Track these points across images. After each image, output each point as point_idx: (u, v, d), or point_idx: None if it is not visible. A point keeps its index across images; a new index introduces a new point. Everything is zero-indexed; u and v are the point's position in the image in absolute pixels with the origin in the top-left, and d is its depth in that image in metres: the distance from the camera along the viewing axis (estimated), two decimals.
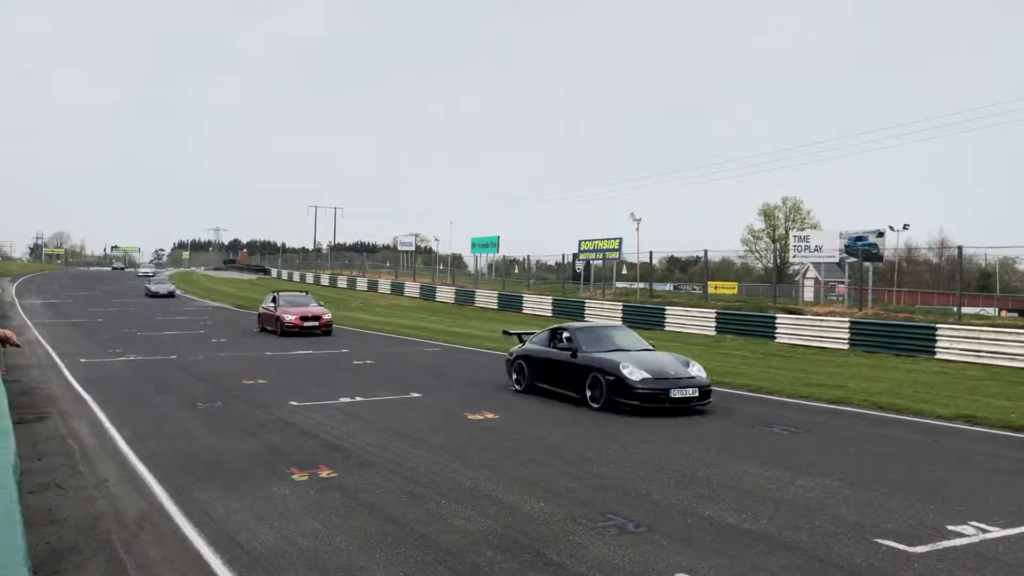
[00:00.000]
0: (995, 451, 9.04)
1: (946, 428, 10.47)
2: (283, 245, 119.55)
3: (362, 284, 53.86)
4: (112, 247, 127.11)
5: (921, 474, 7.84)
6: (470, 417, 10.65)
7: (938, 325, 19.99)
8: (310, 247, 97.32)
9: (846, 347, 21.30)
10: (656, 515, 6.29)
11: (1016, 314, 36.35)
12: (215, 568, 5.21)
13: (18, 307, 37.22)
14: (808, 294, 43.35)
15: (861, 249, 26.44)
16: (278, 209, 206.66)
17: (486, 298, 39.24)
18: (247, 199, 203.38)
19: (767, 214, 77.78)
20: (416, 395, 12.63)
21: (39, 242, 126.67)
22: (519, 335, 14.39)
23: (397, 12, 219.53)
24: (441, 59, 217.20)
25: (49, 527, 6.01)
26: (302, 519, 6.15)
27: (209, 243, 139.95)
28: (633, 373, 11.06)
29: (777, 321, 23.78)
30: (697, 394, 11.17)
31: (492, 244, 44.30)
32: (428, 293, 45.09)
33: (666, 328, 27.10)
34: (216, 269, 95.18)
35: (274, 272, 77.90)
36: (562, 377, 12.25)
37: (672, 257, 67.50)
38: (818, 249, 28.14)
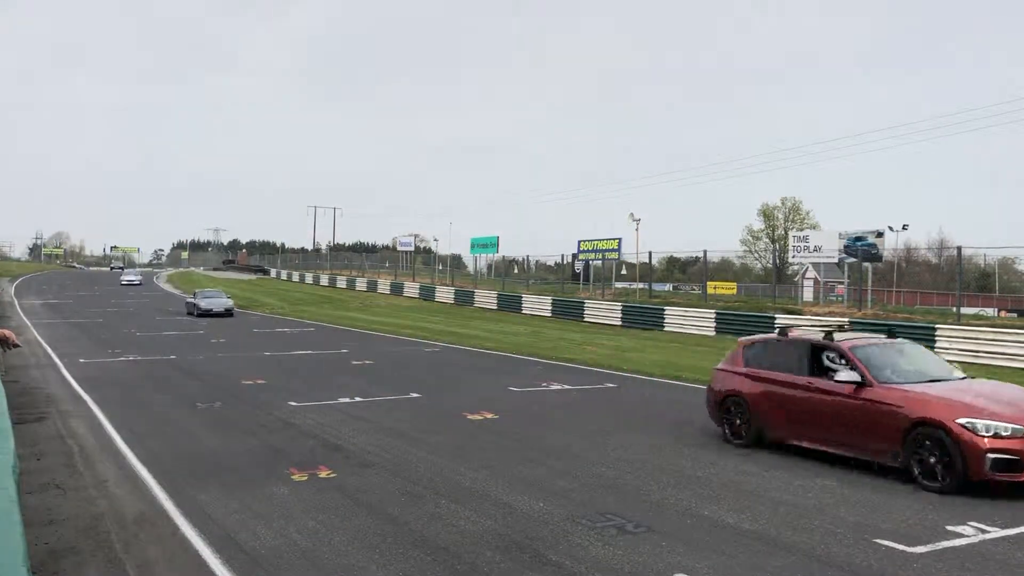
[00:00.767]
0: None
1: None
2: (282, 245, 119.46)
3: (361, 284, 53.83)
4: (111, 247, 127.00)
5: None
6: (469, 417, 10.65)
7: (937, 325, 20.00)
8: (309, 247, 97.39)
9: None
10: (655, 515, 6.29)
11: (1015, 314, 36.34)
12: (214, 568, 5.21)
13: (17, 307, 37.21)
14: (807, 294, 43.37)
15: (860, 249, 26.44)
16: (278, 209, 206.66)
17: (485, 298, 39.24)
18: (246, 199, 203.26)
19: (766, 214, 77.83)
20: (415, 395, 12.63)
21: (38, 242, 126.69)
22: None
23: (397, 12, 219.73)
24: (441, 59, 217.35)
25: (48, 527, 6.01)
26: (301, 519, 6.15)
27: (208, 243, 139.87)
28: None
29: (776, 321, 23.76)
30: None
31: (491, 244, 44.28)
32: (427, 293, 45.08)
33: (665, 329, 27.10)
34: (215, 269, 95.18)
35: (273, 272, 77.88)
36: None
37: (671, 257, 67.63)
38: (817, 249, 28.14)
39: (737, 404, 8.88)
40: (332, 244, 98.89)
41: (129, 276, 63.13)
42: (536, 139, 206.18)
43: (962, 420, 6.84)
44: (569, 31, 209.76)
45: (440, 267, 56.04)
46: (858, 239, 26.75)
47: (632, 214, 35.52)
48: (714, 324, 25.59)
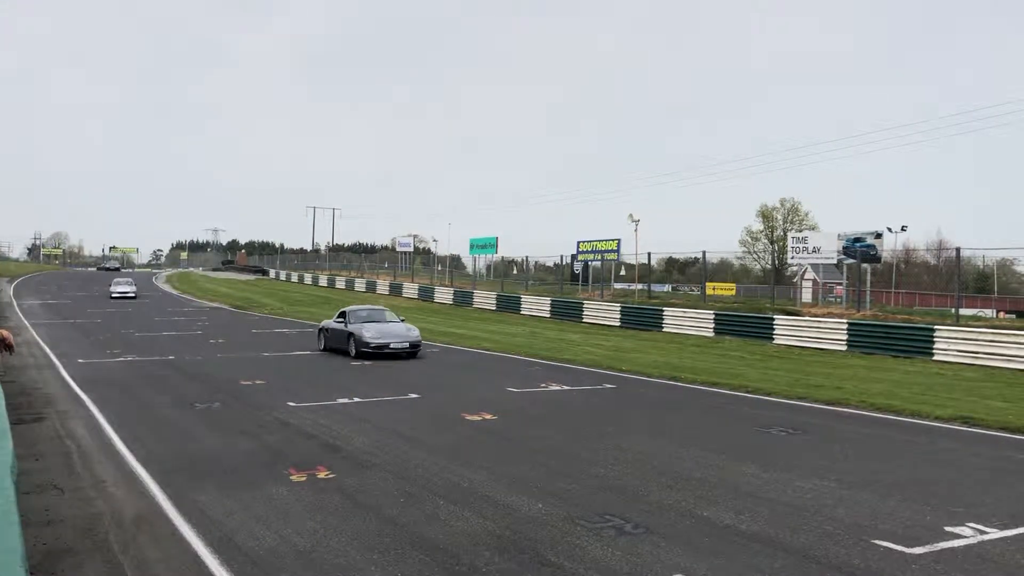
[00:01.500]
0: (993, 452, 9.06)
1: (944, 429, 10.48)
2: (282, 246, 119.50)
3: (360, 285, 53.80)
4: (110, 247, 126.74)
5: (919, 475, 7.84)
6: (468, 418, 10.64)
7: (936, 326, 20.01)
8: (308, 248, 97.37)
9: (844, 348, 21.32)
10: (654, 516, 6.29)
11: (1014, 315, 36.43)
12: (212, 569, 5.21)
13: (16, 307, 37.18)
14: (806, 295, 43.46)
15: (859, 250, 26.46)
16: (277, 210, 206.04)
17: (484, 299, 39.23)
18: (245, 200, 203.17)
19: (765, 215, 77.93)
20: (414, 396, 12.62)
21: (37, 242, 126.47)
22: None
23: (397, 12, 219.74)
24: (441, 59, 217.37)
25: (46, 528, 6.00)
26: (300, 520, 6.15)
27: (207, 243, 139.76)
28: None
29: (775, 322, 23.80)
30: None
31: (490, 245, 44.28)
32: (426, 294, 45.08)
33: (664, 329, 27.11)
34: (214, 270, 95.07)
35: (272, 273, 77.84)
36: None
37: (670, 258, 67.54)
38: (816, 250, 28.16)
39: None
40: (331, 245, 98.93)
41: (121, 287, 46.95)
42: (536, 139, 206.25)
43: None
44: (569, 30, 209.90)
45: (439, 268, 56.03)
46: (857, 240, 26.76)
47: (631, 215, 35.50)
48: (713, 325, 25.60)
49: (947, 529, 6.00)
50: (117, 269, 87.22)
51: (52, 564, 5.29)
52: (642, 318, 28.60)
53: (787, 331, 23.25)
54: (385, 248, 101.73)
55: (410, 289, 47.39)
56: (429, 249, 74.64)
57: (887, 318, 23.95)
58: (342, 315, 19.70)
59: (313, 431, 9.67)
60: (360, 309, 20.56)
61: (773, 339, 23.33)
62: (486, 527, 6.00)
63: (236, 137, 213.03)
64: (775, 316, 24.39)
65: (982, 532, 5.93)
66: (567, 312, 32.74)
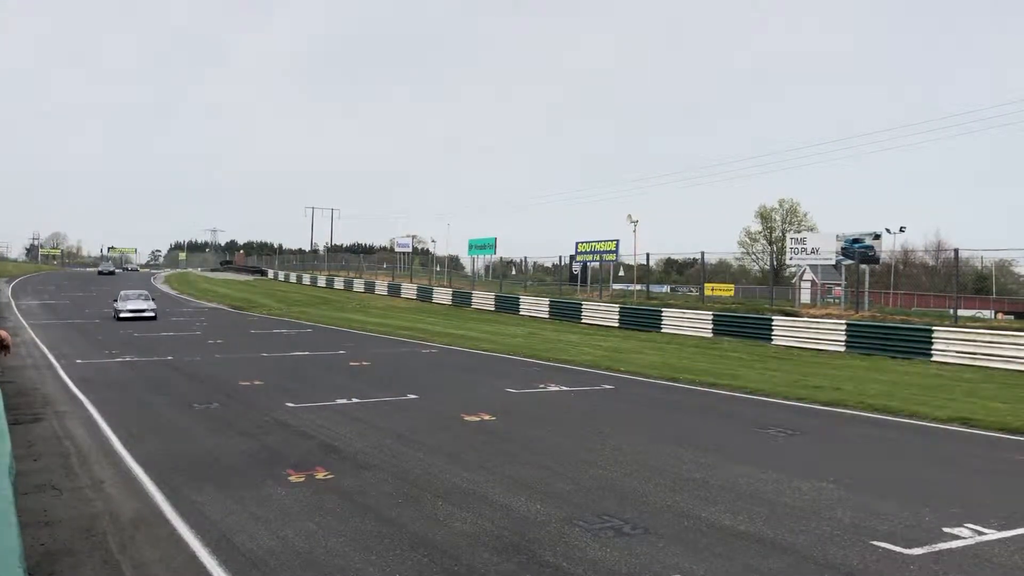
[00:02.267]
0: (991, 453, 9.07)
1: (942, 430, 10.49)
2: (280, 246, 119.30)
3: (359, 285, 53.80)
4: (108, 248, 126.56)
5: (917, 476, 7.85)
6: (467, 419, 10.64)
7: (934, 327, 20.03)
8: (307, 248, 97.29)
9: (842, 349, 21.33)
10: (652, 517, 6.29)
11: (1012, 316, 36.46)
12: (211, 569, 5.20)
13: (14, 308, 37.14)
14: (805, 296, 43.46)
15: (858, 251, 26.48)
16: (275, 210, 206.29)
17: (483, 300, 39.23)
18: (244, 200, 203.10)
19: (764, 216, 77.93)
20: (413, 396, 12.62)
21: (35, 243, 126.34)
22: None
23: (396, 12, 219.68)
24: (441, 59, 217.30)
25: (44, 528, 5.99)
26: (298, 520, 6.14)
27: (206, 244, 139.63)
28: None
29: (774, 323, 23.81)
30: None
31: (489, 246, 44.26)
32: (425, 294, 45.07)
33: (663, 330, 27.12)
34: (213, 270, 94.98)
35: (271, 273, 77.80)
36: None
37: (669, 259, 67.34)
38: (815, 251, 28.17)
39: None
40: (330, 245, 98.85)
41: (132, 303, 31.16)
42: (535, 139, 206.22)
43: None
44: (568, 31, 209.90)
45: (437, 268, 55.99)
46: (855, 241, 26.79)
47: (630, 215, 35.48)
48: (711, 326, 25.61)
49: (945, 530, 6.00)
50: (112, 273, 75.72)
51: (50, 565, 5.29)
52: (641, 319, 28.61)
53: (786, 332, 23.26)
54: (384, 248, 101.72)
55: (408, 289, 47.38)
56: (428, 249, 74.65)
57: (886, 319, 23.97)
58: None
59: (312, 432, 9.67)
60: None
61: (772, 340, 23.34)
62: (485, 527, 6.00)
63: (236, 137, 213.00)
64: (774, 317, 24.41)
65: (980, 533, 5.93)
66: (566, 313, 32.74)
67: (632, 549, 5.52)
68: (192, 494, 6.88)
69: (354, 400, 12.10)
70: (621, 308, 30.01)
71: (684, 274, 69.15)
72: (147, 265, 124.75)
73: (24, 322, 29.13)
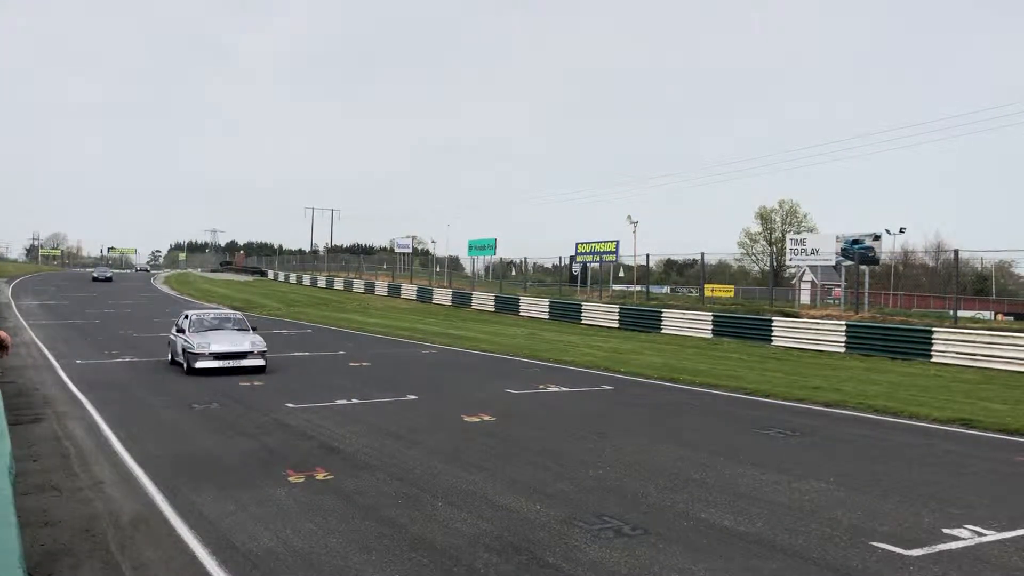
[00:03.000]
0: (991, 454, 9.07)
1: (942, 431, 10.49)
2: (280, 247, 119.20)
3: (359, 286, 53.78)
4: (108, 248, 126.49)
5: (917, 477, 7.85)
6: (466, 419, 10.64)
7: (934, 328, 20.02)
8: (307, 249, 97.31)
9: (842, 350, 21.33)
10: (652, 518, 6.29)
11: (1012, 317, 36.47)
12: (210, 570, 5.20)
13: (14, 308, 37.13)
14: (804, 297, 43.41)
15: (857, 252, 26.48)
16: (275, 211, 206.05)
17: (483, 300, 39.22)
18: (244, 201, 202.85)
19: (764, 217, 77.93)
20: (413, 397, 12.62)
21: (35, 243, 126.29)
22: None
23: (396, 12, 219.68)
24: (440, 59, 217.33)
25: (44, 529, 6.00)
26: (298, 521, 6.14)
27: (206, 245, 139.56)
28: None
29: (773, 324, 23.81)
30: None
31: (489, 246, 44.26)
32: (425, 295, 45.06)
33: (663, 331, 27.11)
34: (213, 271, 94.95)
35: (271, 274, 77.77)
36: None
37: (669, 260, 67.42)
38: (815, 252, 28.17)
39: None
40: (329, 246, 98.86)
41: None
42: (535, 140, 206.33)
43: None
44: (568, 30, 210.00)
45: (437, 269, 55.96)
46: (855, 242, 26.78)
47: (630, 216, 35.67)
48: (711, 326, 25.60)
49: (945, 531, 6.00)
50: (109, 279, 65.28)
51: (50, 565, 5.29)
52: (640, 319, 28.61)
53: (785, 333, 23.26)
54: (384, 249, 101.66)
55: (408, 290, 47.37)
56: (428, 250, 74.66)
57: (885, 320, 23.97)
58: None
59: (311, 432, 9.67)
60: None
61: (771, 341, 23.33)
62: (484, 528, 6.00)
63: (235, 137, 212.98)
64: (773, 318, 24.40)
65: (980, 534, 5.93)
66: (566, 313, 32.73)
67: (632, 550, 5.52)
68: (192, 494, 6.89)
69: (354, 401, 12.10)
70: (621, 309, 30.01)
71: (684, 275, 69.22)
72: (147, 265, 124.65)
73: (24, 322, 29.12)
